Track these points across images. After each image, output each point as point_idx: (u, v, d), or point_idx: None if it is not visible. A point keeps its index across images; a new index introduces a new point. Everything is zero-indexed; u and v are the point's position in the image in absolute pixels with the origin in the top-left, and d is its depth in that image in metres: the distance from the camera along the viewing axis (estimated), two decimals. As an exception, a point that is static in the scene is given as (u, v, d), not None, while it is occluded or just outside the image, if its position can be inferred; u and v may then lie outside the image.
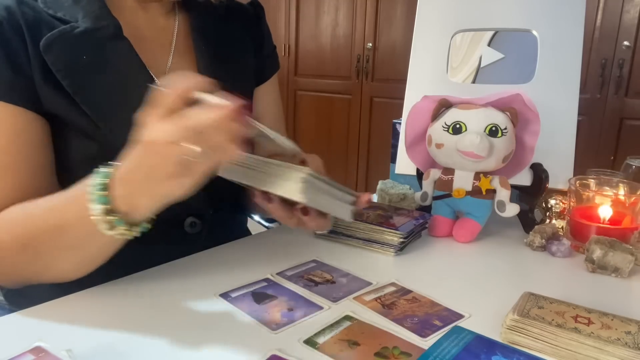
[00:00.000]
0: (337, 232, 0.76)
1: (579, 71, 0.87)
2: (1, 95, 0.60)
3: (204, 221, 0.74)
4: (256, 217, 1.12)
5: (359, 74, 2.93)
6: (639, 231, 0.75)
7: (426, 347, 0.49)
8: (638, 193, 0.75)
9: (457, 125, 0.74)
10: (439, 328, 0.53)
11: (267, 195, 0.61)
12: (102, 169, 0.52)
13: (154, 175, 0.49)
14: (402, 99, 0.94)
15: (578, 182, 0.79)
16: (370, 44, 2.85)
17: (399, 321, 0.54)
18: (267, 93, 0.90)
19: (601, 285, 0.66)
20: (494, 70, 0.92)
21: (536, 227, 0.79)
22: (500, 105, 0.76)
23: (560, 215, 0.85)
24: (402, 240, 0.72)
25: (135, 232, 0.53)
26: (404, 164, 0.91)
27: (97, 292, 0.59)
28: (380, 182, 0.96)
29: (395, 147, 0.96)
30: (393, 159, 0.96)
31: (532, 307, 0.52)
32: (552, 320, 0.50)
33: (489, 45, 0.92)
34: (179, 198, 0.51)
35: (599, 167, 0.92)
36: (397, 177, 0.96)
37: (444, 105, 0.77)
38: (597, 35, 2.23)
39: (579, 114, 0.86)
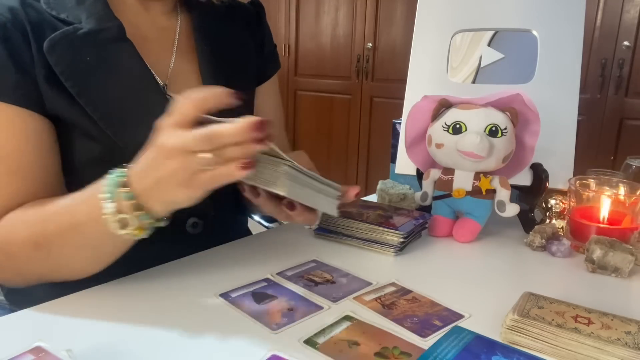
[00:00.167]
0: (337, 232, 0.76)
1: (579, 71, 0.87)
2: (7, 97, 0.60)
3: (205, 221, 0.74)
4: (256, 217, 1.12)
5: (359, 74, 2.93)
6: (639, 231, 0.75)
7: (426, 347, 0.49)
8: (638, 193, 0.75)
9: (457, 125, 0.74)
10: (439, 328, 0.53)
11: (255, 190, 0.60)
12: (117, 170, 0.52)
13: (165, 181, 0.49)
14: (402, 99, 0.94)
15: (578, 182, 0.79)
16: (370, 44, 2.85)
17: (399, 321, 0.54)
18: (268, 93, 0.90)
19: (601, 285, 0.66)
20: (494, 70, 0.92)
21: (536, 227, 0.79)
22: (500, 105, 0.76)
23: (560, 215, 0.85)
24: (402, 240, 0.72)
25: (145, 233, 0.54)
26: (404, 164, 0.91)
27: (97, 292, 0.59)
28: (380, 182, 0.96)
29: (395, 147, 0.96)
30: (393, 159, 0.96)
31: (532, 307, 0.52)
32: (552, 320, 0.50)
33: (489, 45, 0.92)
34: (186, 205, 0.51)
35: (599, 167, 0.92)
36: (397, 177, 0.96)
37: (444, 105, 0.77)
38: (597, 35, 2.23)
39: (579, 114, 0.86)
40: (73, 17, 0.65)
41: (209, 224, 0.75)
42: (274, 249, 0.74)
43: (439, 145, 0.76)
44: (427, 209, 0.84)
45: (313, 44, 3.08)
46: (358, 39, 2.90)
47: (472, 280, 0.67)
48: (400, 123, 0.96)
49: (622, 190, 0.78)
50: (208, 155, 0.46)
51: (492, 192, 0.78)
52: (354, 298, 0.59)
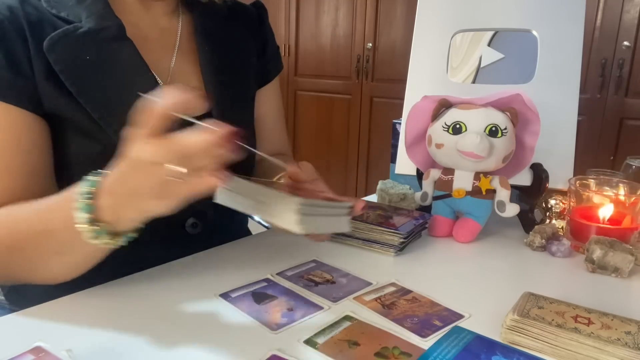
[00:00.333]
0: (336, 232, 0.76)
1: (579, 71, 0.87)
2: None
3: (205, 222, 0.74)
4: (256, 218, 1.12)
5: (359, 74, 2.93)
6: (639, 231, 0.75)
7: (426, 347, 0.49)
8: (638, 193, 0.75)
9: (457, 125, 0.74)
10: (439, 328, 0.53)
11: None
12: (90, 177, 0.51)
13: (138, 193, 0.48)
14: (402, 99, 0.94)
15: (578, 182, 0.79)
16: (370, 44, 2.85)
17: (399, 321, 0.54)
18: (269, 95, 0.90)
19: (601, 285, 0.66)
20: (494, 70, 0.92)
21: (536, 227, 0.79)
22: (500, 105, 0.76)
23: (560, 215, 0.85)
24: (402, 240, 0.72)
25: (120, 242, 0.53)
26: (404, 164, 0.91)
27: (97, 292, 0.59)
28: (380, 182, 0.96)
29: (395, 147, 0.96)
30: (393, 159, 0.96)
31: (532, 307, 0.52)
32: (552, 320, 0.50)
33: (489, 45, 0.92)
34: (162, 214, 0.49)
35: (599, 167, 0.92)
36: (397, 177, 0.96)
37: (444, 105, 0.77)
38: (597, 35, 2.22)
39: (579, 114, 0.86)
40: (73, 16, 0.65)
41: (208, 224, 0.75)
42: (274, 249, 0.74)
43: (439, 145, 0.76)
44: (427, 209, 0.84)
45: (313, 44, 3.08)
46: (358, 39, 2.90)
47: (472, 280, 0.67)
48: (400, 123, 0.96)
49: (622, 190, 0.78)
50: (179, 167, 0.45)
51: (492, 192, 0.78)
52: (354, 298, 0.59)
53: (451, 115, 0.75)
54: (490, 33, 0.92)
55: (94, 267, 0.58)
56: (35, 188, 0.63)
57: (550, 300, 0.54)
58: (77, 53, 0.63)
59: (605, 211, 0.76)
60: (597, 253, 0.68)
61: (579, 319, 0.50)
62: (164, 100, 0.45)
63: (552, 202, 0.86)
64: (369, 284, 0.63)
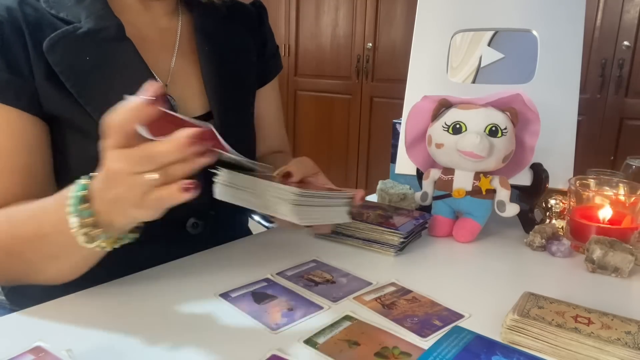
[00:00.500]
0: (337, 232, 0.76)
1: (579, 71, 0.87)
2: None
3: (205, 221, 0.74)
4: (256, 217, 1.12)
5: (359, 74, 2.93)
6: (639, 231, 0.75)
7: (426, 347, 0.49)
8: (638, 193, 0.75)
9: (457, 125, 0.74)
10: (439, 328, 0.53)
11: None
12: (81, 181, 0.50)
13: (119, 201, 0.48)
14: (402, 99, 0.94)
15: (578, 182, 0.79)
16: (370, 44, 2.85)
17: (399, 321, 0.54)
18: (269, 94, 0.90)
19: (601, 285, 0.66)
20: (494, 70, 0.92)
21: (536, 227, 0.79)
22: (500, 105, 0.76)
23: (560, 215, 0.85)
24: (402, 240, 0.72)
25: (115, 245, 0.53)
26: (404, 164, 0.91)
27: (97, 292, 0.59)
28: (380, 182, 0.96)
29: (395, 147, 0.96)
30: (393, 159, 0.96)
31: (532, 307, 0.52)
32: (552, 320, 0.50)
33: (489, 45, 0.92)
34: (150, 219, 0.50)
35: (599, 167, 0.92)
36: (397, 177, 0.96)
37: (444, 105, 0.77)
38: (597, 35, 2.23)
39: (579, 114, 0.86)
40: (72, 16, 0.65)
41: (209, 224, 0.75)
42: (274, 249, 0.74)
43: (439, 145, 0.76)
44: (427, 209, 0.84)
45: (313, 44, 3.08)
46: (358, 39, 2.90)
47: (472, 280, 0.67)
48: (400, 123, 0.96)
49: (622, 190, 0.78)
50: (154, 175, 0.45)
51: (492, 192, 0.78)
52: (354, 298, 0.59)
53: (451, 115, 0.75)
54: (490, 33, 0.92)
55: (94, 267, 0.58)
56: (34, 189, 0.63)
57: (550, 300, 0.54)
58: (77, 54, 0.63)
59: (605, 211, 0.76)
60: (597, 253, 0.68)
61: (579, 318, 0.50)
62: (120, 112, 0.45)
63: (552, 202, 0.86)
64: (369, 283, 0.63)
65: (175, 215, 0.55)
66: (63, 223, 0.51)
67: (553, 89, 0.87)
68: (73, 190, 0.50)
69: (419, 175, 0.87)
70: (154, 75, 0.69)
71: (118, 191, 0.47)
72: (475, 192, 0.77)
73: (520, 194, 0.85)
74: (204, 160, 0.46)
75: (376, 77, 2.90)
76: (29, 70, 0.61)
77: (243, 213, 0.89)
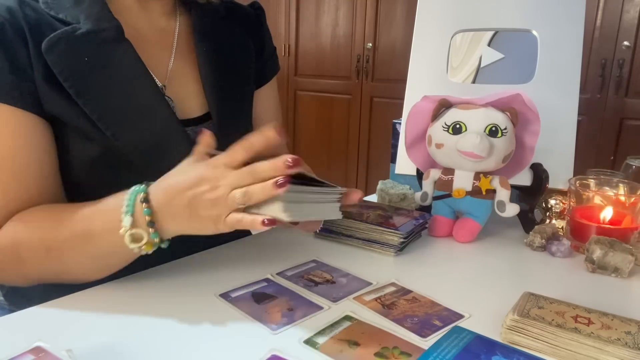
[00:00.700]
0: (337, 232, 0.76)
1: (579, 71, 0.87)
2: (2, 97, 0.60)
3: None
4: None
5: (359, 74, 2.93)
6: (639, 231, 0.75)
7: (426, 347, 0.49)
8: (638, 193, 0.75)
9: (457, 125, 0.74)
10: (439, 328, 0.53)
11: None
12: (138, 185, 0.55)
13: (196, 210, 0.52)
14: (402, 99, 0.94)
15: (578, 182, 0.79)
16: (370, 44, 2.85)
17: (399, 321, 0.54)
18: (267, 95, 0.90)
19: (601, 285, 0.66)
20: (494, 70, 0.92)
21: (536, 227, 0.79)
22: (500, 105, 0.76)
23: (560, 215, 0.85)
24: (402, 240, 0.72)
25: (152, 250, 0.56)
26: (404, 164, 0.91)
27: (97, 292, 0.59)
28: (380, 182, 0.96)
29: (395, 147, 0.96)
30: (393, 159, 0.96)
31: (532, 307, 0.52)
32: (552, 320, 0.50)
33: (489, 45, 0.92)
34: (193, 234, 0.55)
35: (599, 167, 0.92)
36: (397, 177, 0.96)
37: (444, 105, 0.77)
38: (597, 35, 2.23)
39: (579, 114, 0.86)
40: (71, 17, 0.65)
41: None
42: (274, 249, 0.74)
43: (439, 145, 0.76)
44: (427, 209, 0.84)
45: (313, 44, 3.08)
46: (358, 39, 2.90)
47: (472, 280, 0.67)
48: (400, 123, 0.96)
49: (622, 190, 0.78)
50: (241, 191, 0.51)
51: (492, 192, 0.78)
52: (354, 298, 0.59)
53: (451, 115, 0.75)
54: (490, 33, 0.92)
55: None
56: (49, 189, 0.64)
57: (550, 300, 0.54)
58: (76, 55, 0.63)
59: (605, 211, 0.76)
60: (597, 253, 0.68)
61: (579, 319, 0.50)
62: (255, 141, 0.52)
63: (552, 202, 0.86)
64: (369, 284, 0.63)
65: None
66: (112, 222, 0.54)
67: (553, 89, 0.87)
68: (131, 191, 0.54)
69: (419, 175, 0.87)
70: (152, 76, 0.69)
71: (203, 200, 0.52)
72: (475, 192, 0.77)
73: (520, 194, 0.85)
74: (281, 191, 0.51)
75: (376, 77, 2.89)
76: (31, 70, 0.61)
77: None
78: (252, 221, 0.52)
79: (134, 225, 0.53)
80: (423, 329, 0.52)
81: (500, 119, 0.74)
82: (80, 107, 0.63)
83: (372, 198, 0.96)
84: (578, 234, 0.76)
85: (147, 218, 0.53)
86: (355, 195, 0.61)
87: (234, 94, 0.79)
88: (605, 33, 2.22)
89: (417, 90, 0.91)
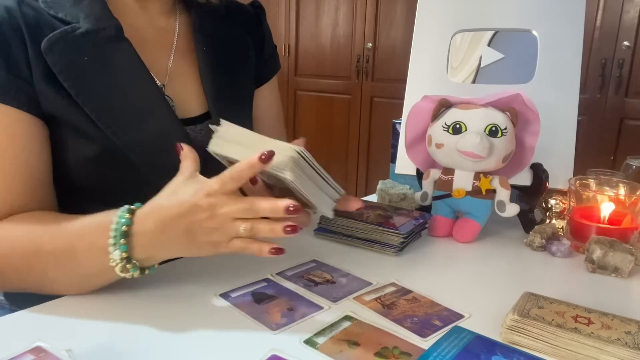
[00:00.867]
0: (337, 232, 0.76)
1: (579, 71, 0.87)
2: None
3: None
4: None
5: (359, 74, 2.93)
6: (639, 231, 0.75)
7: (426, 347, 0.49)
8: (638, 193, 0.75)
9: (457, 125, 0.74)
10: (439, 328, 0.53)
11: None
12: (121, 213, 0.53)
13: (194, 237, 0.52)
14: (402, 99, 0.94)
15: (578, 182, 0.79)
16: (370, 44, 2.85)
17: (399, 321, 0.54)
18: (268, 94, 0.90)
19: (601, 285, 0.66)
20: (494, 70, 0.92)
21: (536, 227, 0.79)
22: (500, 105, 0.76)
23: (560, 215, 0.85)
24: (402, 240, 0.72)
25: (144, 274, 0.56)
26: (404, 164, 0.91)
27: (97, 292, 0.59)
28: (380, 182, 0.96)
29: (395, 147, 0.96)
30: (393, 159, 0.96)
31: (532, 307, 0.52)
32: (552, 320, 0.50)
33: (489, 45, 0.92)
34: (186, 256, 0.56)
35: (599, 167, 0.92)
36: (397, 177, 0.96)
37: (444, 105, 0.77)
38: (597, 35, 2.22)
39: (579, 114, 0.86)
40: (71, 17, 0.65)
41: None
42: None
43: (439, 145, 0.76)
44: (427, 209, 0.84)
45: (313, 44, 3.08)
46: (358, 39, 2.90)
47: (472, 280, 0.67)
48: (400, 123, 0.96)
49: (622, 190, 0.78)
50: (248, 224, 0.52)
51: (492, 192, 0.78)
52: (354, 298, 0.59)
53: (451, 115, 0.75)
54: (490, 33, 0.92)
55: None
56: (38, 192, 0.63)
57: (550, 300, 0.54)
58: (75, 54, 0.63)
59: (605, 211, 0.76)
60: (597, 253, 0.68)
61: (579, 319, 0.50)
62: (243, 172, 0.51)
63: (552, 202, 0.86)
64: (369, 284, 0.63)
65: None
66: (98, 250, 0.53)
67: (553, 89, 0.87)
68: (116, 222, 0.52)
69: (419, 175, 0.87)
70: (152, 75, 0.69)
71: (202, 228, 0.52)
72: (475, 192, 0.77)
73: (520, 194, 0.85)
74: (289, 235, 0.53)
75: (376, 77, 2.89)
76: (29, 70, 0.61)
77: None
78: (260, 250, 0.53)
79: (121, 258, 0.53)
80: (423, 329, 0.52)
81: (500, 119, 0.74)
82: (79, 106, 0.63)
83: (372, 198, 0.96)
84: (578, 234, 0.76)
85: (124, 254, 0.52)
86: (355, 204, 0.60)
87: (234, 93, 0.79)
88: (605, 33, 2.21)
89: (417, 90, 0.91)
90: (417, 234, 0.78)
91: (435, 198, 0.82)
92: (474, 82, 0.92)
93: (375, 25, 2.83)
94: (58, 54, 0.62)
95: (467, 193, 0.77)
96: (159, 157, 0.67)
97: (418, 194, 0.85)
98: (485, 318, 0.55)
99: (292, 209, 0.51)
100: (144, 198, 0.56)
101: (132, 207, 0.54)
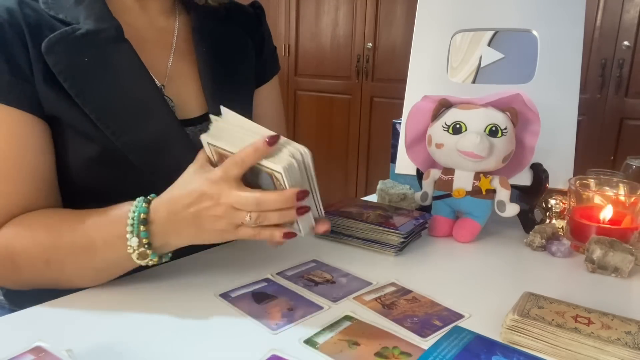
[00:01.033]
0: (337, 232, 0.76)
1: (579, 71, 0.87)
2: (0, 98, 0.60)
3: None
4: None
5: (359, 74, 2.93)
6: (639, 231, 0.75)
7: (426, 347, 0.49)
8: (638, 193, 0.75)
9: (457, 125, 0.74)
10: (439, 328, 0.53)
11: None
12: (139, 203, 0.55)
13: (202, 223, 0.54)
14: (402, 99, 0.94)
15: (578, 182, 0.79)
16: (370, 44, 2.85)
17: (399, 321, 0.54)
18: (268, 95, 0.90)
19: (601, 285, 0.66)
20: (494, 70, 0.92)
21: (536, 227, 0.79)
22: (500, 105, 0.76)
23: (560, 215, 0.85)
24: (402, 240, 0.72)
25: (160, 262, 0.58)
26: (404, 164, 0.91)
27: (97, 292, 0.59)
28: (380, 182, 0.96)
29: (395, 147, 0.96)
30: (393, 159, 0.96)
31: (532, 307, 0.52)
32: (552, 320, 0.50)
33: (489, 45, 0.92)
34: (200, 243, 0.57)
35: (599, 167, 0.92)
36: (397, 177, 0.96)
37: (444, 105, 0.77)
38: (597, 35, 2.22)
39: (579, 114, 0.86)
40: (71, 17, 0.65)
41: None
42: (274, 249, 0.74)
43: (439, 145, 0.76)
44: (427, 209, 0.84)
45: (313, 44, 3.08)
46: (358, 39, 2.90)
47: (472, 280, 0.67)
48: (400, 123, 0.96)
49: (622, 190, 0.78)
50: (254, 214, 0.52)
51: (492, 192, 0.78)
52: (354, 298, 0.59)
53: (451, 115, 0.75)
54: (490, 33, 0.92)
55: None
56: (44, 192, 0.64)
57: (550, 300, 0.54)
58: (75, 55, 0.63)
59: (605, 211, 0.76)
60: (597, 253, 0.68)
61: (579, 319, 0.50)
62: (246, 156, 0.52)
63: (552, 202, 0.86)
64: (369, 284, 0.63)
65: None
66: (117, 240, 0.55)
67: (553, 89, 0.87)
68: (133, 211, 0.55)
69: (419, 175, 0.87)
70: (151, 76, 0.69)
71: (211, 215, 0.53)
72: (475, 192, 0.77)
73: (520, 194, 0.85)
74: (299, 217, 0.54)
75: (376, 77, 2.89)
76: (30, 71, 0.61)
77: None
78: (272, 235, 0.54)
79: (140, 244, 0.55)
80: (423, 329, 0.52)
81: (500, 119, 0.74)
82: (80, 107, 0.63)
83: (372, 198, 0.96)
84: (578, 234, 0.76)
85: (144, 241, 0.55)
86: (322, 227, 0.58)
87: (234, 94, 0.79)
88: (605, 33, 2.21)
89: (417, 90, 0.91)
90: (417, 234, 0.78)
91: (435, 198, 0.82)
92: (474, 82, 0.92)
93: (375, 25, 2.83)
94: (58, 54, 0.62)
95: (467, 193, 0.77)
96: (158, 157, 0.67)
97: (418, 194, 0.85)
98: (485, 318, 0.55)
99: (302, 195, 0.52)
100: None
101: (148, 197, 0.56)
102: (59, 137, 0.65)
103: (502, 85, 0.89)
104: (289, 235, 0.55)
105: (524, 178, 0.83)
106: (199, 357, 0.47)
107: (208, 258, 0.70)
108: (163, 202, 0.55)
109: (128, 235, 0.55)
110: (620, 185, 0.79)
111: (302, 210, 0.53)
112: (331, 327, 0.52)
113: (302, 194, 0.52)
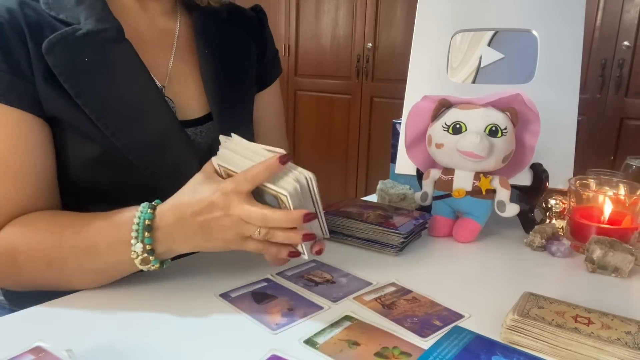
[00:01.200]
0: (337, 232, 0.76)
1: (579, 71, 0.87)
2: (1, 98, 0.60)
3: None
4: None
5: (359, 74, 2.93)
6: (639, 231, 0.75)
7: (426, 347, 0.49)
8: (638, 193, 0.75)
9: (457, 125, 0.74)
10: (439, 328, 0.53)
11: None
12: (143, 208, 0.55)
13: (209, 232, 0.54)
14: (402, 99, 0.94)
15: (578, 182, 0.79)
16: (370, 44, 2.85)
17: (399, 321, 0.54)
18: (269, 99, 0.89)
19: (601, 285, 0.66)
20: (494, 70, 0.92)
21: (536, 227, 0.79)
22: (500, 105, 0.76)
23: (560, 215, 0.85)
24: (402, 240, 0.72)
25: (162, 268, 0.58)
26: (404, 164, 0.91)
27: (97, 292, 0.59)
28: (380, 182, 0.96)
29: (395, 147, 0.96)
30: (393, 159, 0.96)
31: (532, 307, 0.52)
32: (552, 320, 0.50)
33: (489, 45, 0.92)
34: (217, 250, 0.58)
35: (599, 167, 0.92)
36: (397, 177, 0.96)
37: (444, 105, 0.77)
38: (597, 35, 2.22)
39: (579, 114, 0.86)
40: (72, 18, 0.65)
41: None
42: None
43: (439, 145, 0.76)
44: (427, 209, 0.84)
45: (313, 44, 3.08)
46: (358, 39, 2.90)
47: (472, 280, 0.67)
48: (400, 123, 0.96)
49: (622, 190, 0.78)
50: (263, 230, 0.53)
51: (492, 192, 0.78)
52: (354, 298, 0.59)
53: (451, 115, 0.75)
54: (490, 33, 0.92)
55: None
56: (45, 192, 0.64)
57: (550, 300, 0.54)
58: (76, 55, 0.63)
59: (605, 211, 0.76)
60: (597, 253, 0.68)
61: (579, 319, 0.50)
62: (258, 174, 0.52)
63: (552, 202, 0.86)
64: (369, 284, 0.63)
65: None
66: (121, 245, 0.55)
67: (553, 89, 0.87)
68: (138, 217, 0.55)
69: (419, 175, 0.87)
70: (152, 77, 0.69)
71: (219, 225, 0.54)
72: (475, 192, 0.77)
73: (520, 194, 0.85)
74: (305, 242, 0.55)
75: (376, 77, 2.89)
76: (30, 71, 0.61)
77: None
78: (278, 253, 0.55)
79: (144, 250, 0.55)
80: (423, 329, 0.52)
81: (500, 119, 0.74)
82: (80, 107, 0.63)
83: (372, 198, 0.96)
84: (578, 234, 0.76)
85: (148, 247, 0.55)
86: (316, 247, 0.58)
87: (235, 97, 0.79)
88: (605, 33, 2.21)
89: (417, 90, 0.91)
90: (417, 234, 0.78)
91: (435, 198, 0.82)
92: (474, 82, 0.92)
93: (375, 25, 2.83)
94: (59, 55, 0.62)
95: (467, 193, 0.77)
96: (159, 158, 0.67)
97: (418, 194, 0.85)
98: (485, 318, 0.55)
99: (308, 217, 0.52)
100: (145, 199, 0.57)
101: (153, 203, 0.56)
102: (59, 138, 0.65)
103: (502, 85, 0.89)
104: (294, 254, 0.56)
105: (524, 178, 0.83)
106: (199, 357, 0.47)
107: (208, 258, 0.70)
108: (170, 208, 0.55)
109: (132, 241, 0.55)
110: (620, 185, 0.79)
111: (308, 237, 0.54)
112: (331, 327, 0.52)
113: (308, 217, 0.52)
